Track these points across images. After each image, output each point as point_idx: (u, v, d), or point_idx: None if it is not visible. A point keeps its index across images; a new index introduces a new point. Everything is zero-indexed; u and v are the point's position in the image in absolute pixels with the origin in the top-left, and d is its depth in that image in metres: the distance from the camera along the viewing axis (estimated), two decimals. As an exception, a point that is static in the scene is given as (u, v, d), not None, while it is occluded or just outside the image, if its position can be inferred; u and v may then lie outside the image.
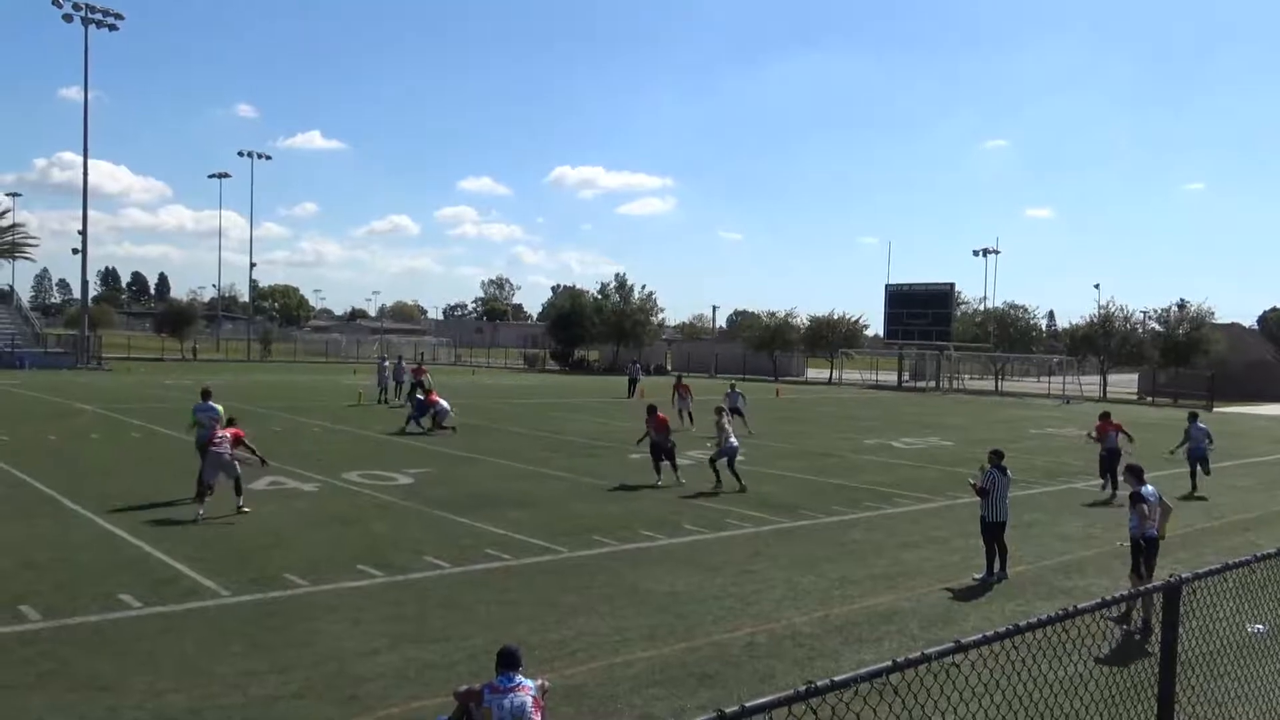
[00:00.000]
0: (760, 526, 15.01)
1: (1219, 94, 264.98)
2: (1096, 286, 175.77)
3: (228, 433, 14.99)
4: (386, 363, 39.32)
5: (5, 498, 15.44)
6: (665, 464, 18.62)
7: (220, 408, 16.13)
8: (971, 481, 12.77)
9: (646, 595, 10.78)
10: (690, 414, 29.93)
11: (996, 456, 12.40)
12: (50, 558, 11.59)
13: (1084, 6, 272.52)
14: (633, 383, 46.66)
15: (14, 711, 7.07)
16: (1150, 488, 10.95)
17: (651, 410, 19.34)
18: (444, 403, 27.09)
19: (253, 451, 15.14)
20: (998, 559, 12.10)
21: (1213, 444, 20.81)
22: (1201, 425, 20.68)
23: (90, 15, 59.56)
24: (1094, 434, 20.02)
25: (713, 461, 18.36)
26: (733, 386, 31.07)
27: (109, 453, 21.02)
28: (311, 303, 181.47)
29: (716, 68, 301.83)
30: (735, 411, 27.99)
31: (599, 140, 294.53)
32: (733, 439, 18.43)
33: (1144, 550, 10.63)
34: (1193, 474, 19.99)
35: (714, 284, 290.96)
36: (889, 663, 3.30)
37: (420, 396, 28.40)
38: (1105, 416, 20.24)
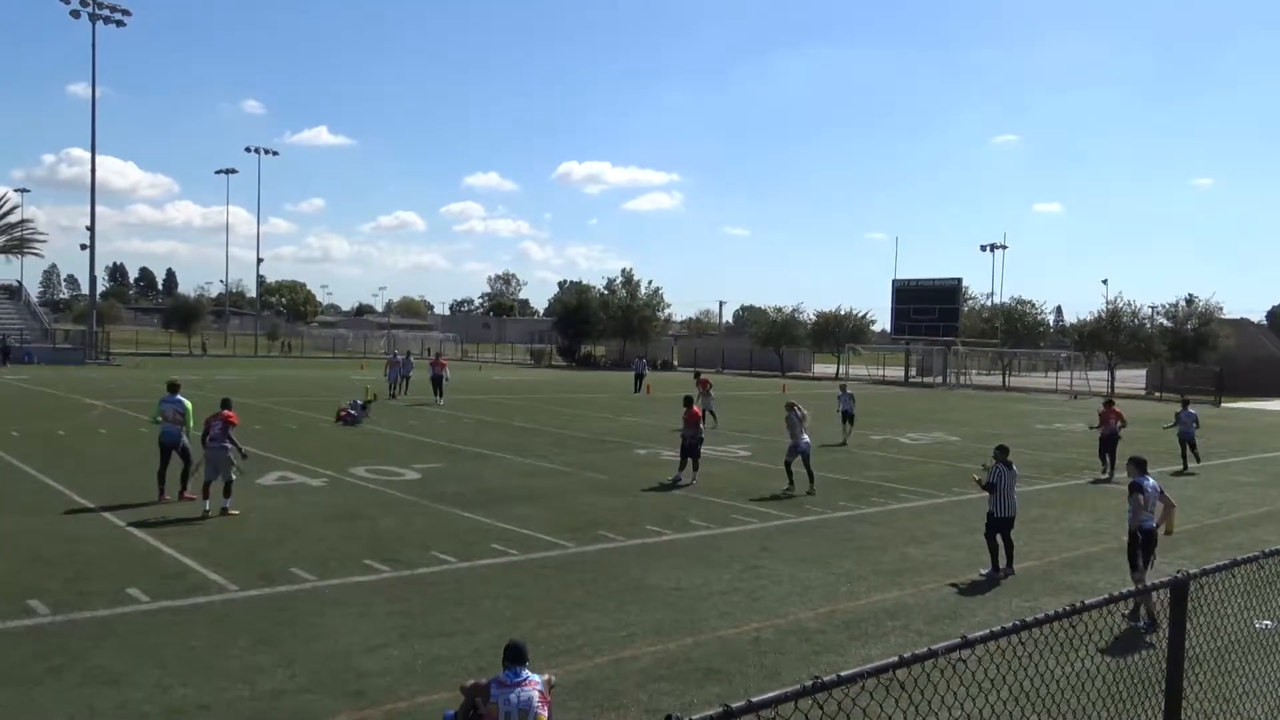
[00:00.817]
0: (766, 522, 15.00)
1: (1229, 89, 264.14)
2: (1105, 281, 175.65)
3: (220, 418, 14.42)
4: (398, 357, 39.42)
5: (14, 492, 15.51)
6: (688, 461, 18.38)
7: (187, 401, 15.39)
8: (976, 478, 12.74)
9: (653, 590, 10.79)
10: (712, 411, 28.76)
11: (1002, 452, 12.37)
12: (59, 552, 11.64)
13: (1095, 1, 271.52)
14: (639, 378, 46.68)
15: (24, 704, 7.11)
16: (1151, 480, 10.93)
17: (688, 402, 19.13)
18: (354, 412, 27.33)
19: (234, 443, 14.37)
20: (1003, 554, 12.07)
21: (1198, 425, 23.73)
22: (1191, 411, 23.65)
23: (98, 11, 59.79)
24: (1098, 422, 22.27)
25: (787, 464, 17.90)
26: (843, 387, 28.40)
27: (117, 448, 21.09)
28: (319, 298, 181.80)
29: (723, 63, 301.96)
30: (847, 415, 26.35)
31: (605, 136, 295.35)
32: (805, 436, 17.96)
33: (1140, 542, 10.60)
34: (1183, 454, 22.98)
35: (721, 280, 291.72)
36: (895, 658, 3.29)
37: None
38: (1109, 404, 22.70)
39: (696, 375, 32.82)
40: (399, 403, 33.98)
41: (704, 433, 19.16)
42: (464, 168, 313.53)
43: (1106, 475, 20.86)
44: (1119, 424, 21.70)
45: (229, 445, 14.24)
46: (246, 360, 71.61)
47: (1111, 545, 14.06)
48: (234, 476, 14.33)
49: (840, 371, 70.71)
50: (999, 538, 12.03)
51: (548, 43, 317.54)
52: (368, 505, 15.26)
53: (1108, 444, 21.40)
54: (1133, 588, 9.78)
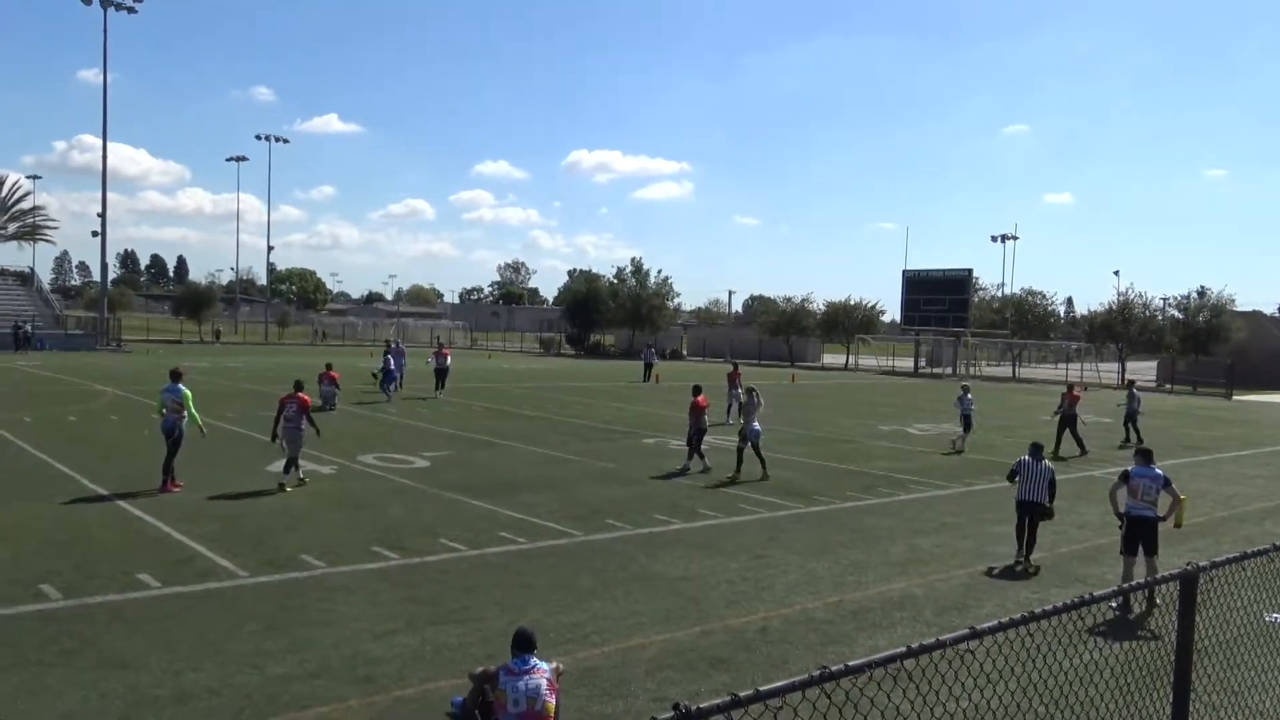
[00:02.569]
0: (775, 512, 15.00)
1: (1242, 79, 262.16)
2: (1116, 273, 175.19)
3: (295, 399, 15.69)
4: (400, 345, 39.17)
5: (26, 478, 15.61)
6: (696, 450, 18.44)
7: (186, 390, 15.36)
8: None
9: (660, 579, 10.80)
10: (729, 404, 28.07)
11: (1035, 449, 12.40)
12: (70, 537, 11.72)
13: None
14: (648, 367, 46.63)
15: (36, 688, 7.16)
16: (1157, 471, 10.89)
17: (696, 390, 19.18)
18: (329, 390, 27.32)
19: (311, 423, 15.78)
20: (1025, 542, 12.07)
21: (1140, 407, 26.54)
22: (1136, 393, 26.61)
23: (109, -2, 59.67)
24: (1065, 404, 24.23)
25: (739, 449, 17.93)
26: (965, 389, 24.93)
27: (128, 434, 21.18)
28: (329, 286, 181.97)
29: (733, 52, 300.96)
30: (965, 419, 23.95)
31: (616, 124, 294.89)
32: (756, 423, 18.00)
33: (1124, 526, 10.73)
34: (1127, 428, 26.05)
35: (730, 269, 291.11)
36: (903, 649, 3.28)
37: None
38: (1070, 388, 24.93)
39: (734, 367, 30.60)
40: (401, 392, 33.86)
41: (708, 423, 19.11)
42: (474, 156, 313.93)
43: (1053, 449, 22.53)
44: (1074, 406, 23.98)
45: (304, 425, 15.48)
46: (256, 347, 71.83)
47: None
48: (300, 450, 15.61)
49: (849, 362, 70.59)
50: (1025, 525, 12.06)
51: (558, 31, 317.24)
52: (376, 493, 15.31)
53: (1067, 424, 23.80)
54: (1131, 581, 9.75)
